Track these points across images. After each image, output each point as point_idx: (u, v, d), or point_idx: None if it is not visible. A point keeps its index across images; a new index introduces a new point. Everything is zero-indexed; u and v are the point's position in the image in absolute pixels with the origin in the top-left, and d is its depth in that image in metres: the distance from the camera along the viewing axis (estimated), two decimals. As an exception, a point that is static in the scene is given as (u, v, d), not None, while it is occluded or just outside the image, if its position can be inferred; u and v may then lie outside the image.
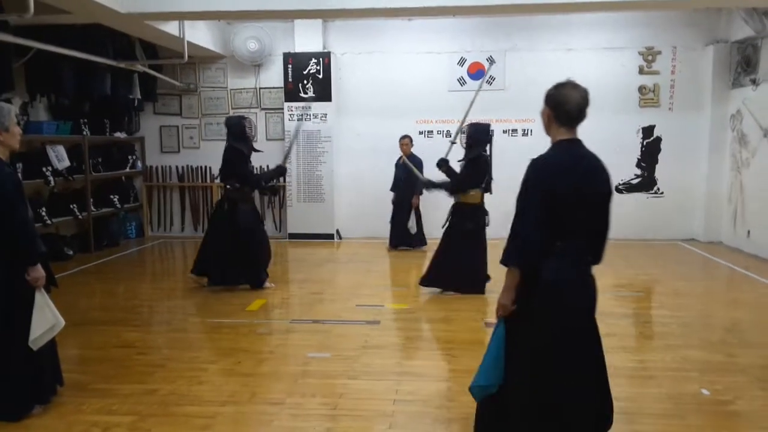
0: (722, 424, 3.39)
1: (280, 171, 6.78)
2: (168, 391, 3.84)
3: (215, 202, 7.23)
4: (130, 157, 9.61)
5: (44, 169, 7.61)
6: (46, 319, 3.44)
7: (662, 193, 9.21)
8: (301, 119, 8.15)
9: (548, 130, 2.80)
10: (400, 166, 8.29)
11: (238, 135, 6.24)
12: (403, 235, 8.41)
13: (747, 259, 7.82)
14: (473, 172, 6.08)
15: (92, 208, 8.58)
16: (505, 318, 2.81)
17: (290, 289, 6.76)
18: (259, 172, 7.04)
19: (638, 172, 9.23)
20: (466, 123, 6.36)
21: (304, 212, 9.38)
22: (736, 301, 6.10)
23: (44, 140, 7.80)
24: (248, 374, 4.13)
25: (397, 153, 8.35)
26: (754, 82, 8.05)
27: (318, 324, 5.24)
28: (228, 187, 6.31)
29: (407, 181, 7.93)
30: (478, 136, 6.13)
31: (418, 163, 8.02)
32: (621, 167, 9.20)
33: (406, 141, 8.38)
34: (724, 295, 6.44)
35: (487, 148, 6.21)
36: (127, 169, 9.56)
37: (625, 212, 9.15)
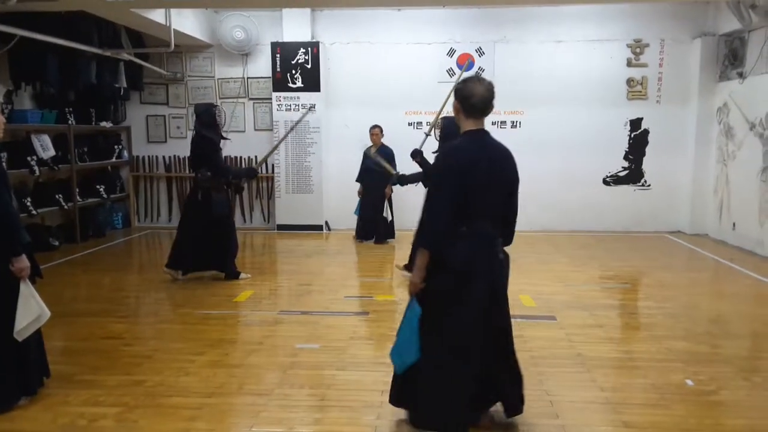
0: (706, 414, 3.44)
1: (251, 173, 6.77)
2: (155, 383, 3.83)
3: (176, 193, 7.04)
4: (116, 146, 9.51)
5: (29, 158, 7.52)
6: (31, 310, 3.41)
7: (649, 185, 9.28)
8: (293, 128, 8.02)
9: (459, 121, 3.05)
10: (369, 156, 8.23)
11: (208, 123, 6.15)
12: (372, 227, 8.41)
13: (732, 251, 7.90)
14: None
15: (78, 198, 8.50)
16: (417, 296, 3.02)
17: (278, 280, 6.74)
18: (231, 165, 6.93)
19: (625, 164, 9.28)
20: (441, 116, 6.39)
21: (293, 203, 9.35)
22: (720, 292, 6.17)
23: (29, 129, 7.70)
24: (236, 365, 4.12)
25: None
26: (740, 75, 8.11)
27: (306, 315, 5.24)
28: (198, 175, 6.21)
29: (379, 172, 7.82)
30: (451, 130, 6.13)
31: (390, 154, 8.04)
32: (608, 159, 9.28)
33: (376, 131, 8.34)
34: (709, 286, 6.51)
35: None
36: (114, 159, 9.47)
37: (612, 204, 9.25)
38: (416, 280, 3.00)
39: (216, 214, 6.15)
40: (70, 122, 8.36)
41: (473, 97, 2.93)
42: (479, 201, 2.93)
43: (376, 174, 7.94)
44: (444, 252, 2.92)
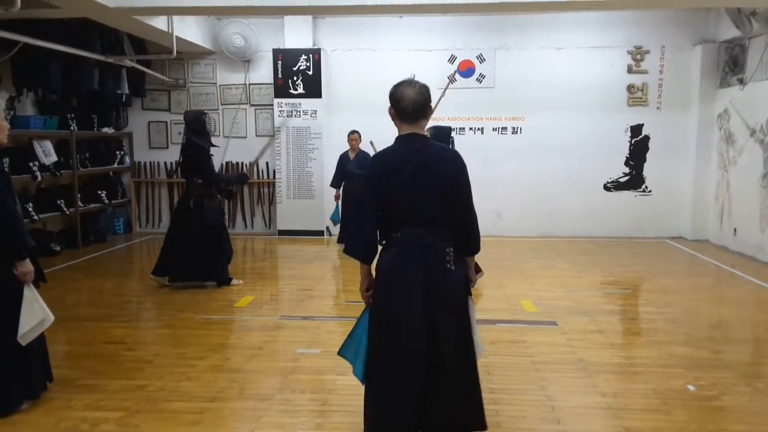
0: (708, 419, 3.44)
1: (242, 179, 6.70)
2: (156, 387, 3.83)
3: (177, 199, 6.90)
4: (118, 152, 9.54)
5: (31, 164, 7.54)
6: (35, 314, 3.42)
7: (650, 191, 9.29)
8: (264, 150, 7.88)
9: (396, 126, 2.93)
10: (348, 161, 8.22)
11: (198, 130, 6.10)
12: None
13: (733, 256, 7.90)
14: None
15: (80, 203, 8.52)
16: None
17: (279, 285, 6.75)
18: (221, 172, 6.84)
19: (626, 170, 9.29)
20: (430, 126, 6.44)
21: (294, 209, 9.36)
22: (722, 298, 6.17)
23: (31, 135, 7.73)
24: (237, 370, 4.12)
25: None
26: (741, 81, 8.13)
27: (307, 320, 5.24)
28: (190, 183, 6.19)
29: (359, 174, 7.80)
30: (439, 138, 6.24)
31: (365, 159, 8.08)
32: (609, 165, 9.30)
33: (355, 136, 8.36)
34: (711, 292, 6.50)
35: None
36: (115, 165, 9.49)
37: (613, 210, 9.26)
38: (361, 289, 3.00)
39: (209, 223, 6.13)
40: (72, 128, 8.39)
41: (403, 100, 2.81)
42: (407, 207, 2.80)
43: (357, 178, 7.95)
44: (378, 258, 2.88)
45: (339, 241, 8.76)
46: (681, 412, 3.51)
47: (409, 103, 2.81)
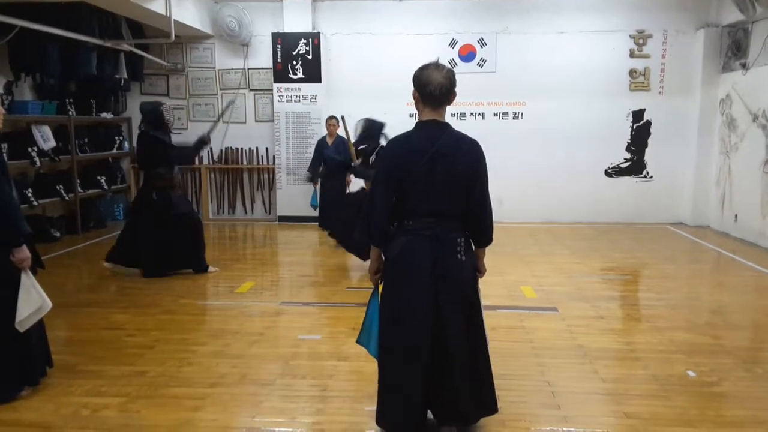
0: (707, 405, 3.44)
1: (203, 141, 6.38)
2: (157, 373, 3.84)
3: (138, 189, 6.66)
4: (117, 137, 9.50)
5: (30, 149, 7.50)
6: (32, 300, 3.41)
7: (651, 177, 9.26)
8: (228, 107, 7.71)
9: (418, 110, 2.88)
10: (326, 146, 8.10)
11: (155, 122, 5.97)
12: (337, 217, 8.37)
13: (734, 242, 7.89)
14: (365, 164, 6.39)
15: (79, 189, 8.49)
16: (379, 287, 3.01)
17: (280, 271, 6.75)
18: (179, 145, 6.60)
19: (628, 156, 9.26)
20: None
21: (294, 195, 9.34)
22: (722, 284, 6.17)
23: (29, 120, 7.67)
24: (238, 356, 4.12)
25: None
26: (744, 66, 8.07)
27: (308, 306, 5.25)
28: (151, 175, 6.04)
29: (339, 160, 7.72)
30: (370, 135, 6.44)
31: (343, 144, 8.00)
32: (611, 151, 9.26)
33: (333, 122, 8.25)
34: (711, 278, 6.51)
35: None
36: (114, 150, 9.45)
37: (614, 196, 9.24)
38: (370, 273, 3.02)
39: (182, 211, 6.08)
40: (70, 113, 8.34)
41: (430, 84, 2.74)
42: (420, 196, 2.77)
43: (335, 164, 7.87)
44: (389, 244, 2.89)
45: (321, 225, 8.68)
46: (681, 398, 3.51)
47: (436, 87, 2.75)
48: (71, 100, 8.42)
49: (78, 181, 8.48)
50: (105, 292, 5.74)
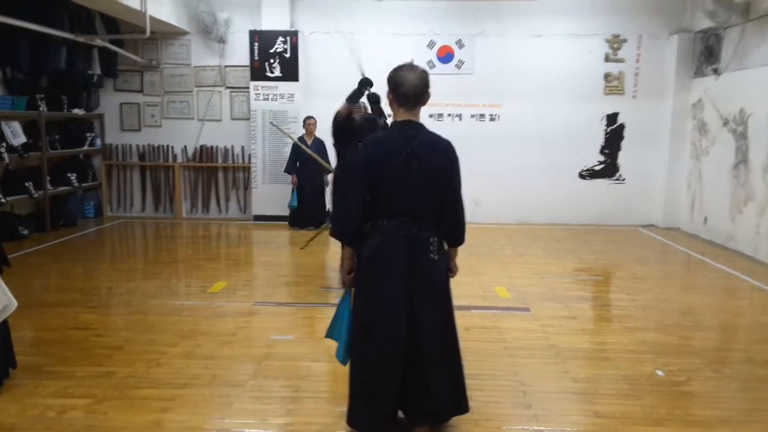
0: (676, 404, 3.49)
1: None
2: (126, 374, 3.77)
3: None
4: (88, 134, 9.32)
5: (-2, 145, 7.34)
6: (-4, 299, 3.33)
7: (624, 179, 9.38)
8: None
9: (392, 111, 2.89)
10: (305, 146, 8.12)
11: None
12: (311, 215, 8.44)
13: (703, 244, 8.03)
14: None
15: (49, 186, 8.32)
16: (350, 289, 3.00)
17: (254, 271, 6.69)
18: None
19: (601, 158, 9.37)
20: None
21: (270, 194, 9.26)
22: (691, 285, 6.27)
23: (-2, 115, 7.51)
24: (209, 357, 4.07)
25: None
26: (715, 71, 8.22)
27: (282, 306, 5.21)
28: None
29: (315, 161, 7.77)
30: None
31: (321, 144, 8.13)
32: (585, 153, 9.36)
33: (312, 122, 8.30)
34: (681, 279, 6.61)
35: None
36: (86, 147, 9.28)
37: (587, 198, 9.34)
38: (342, 273, 3.02)
39: None
40: (41, 109, 8.15)
41: (403, 85, 2.75)
42: (395, 196, 2.77)
43: (312, 163, 7.96)
44: (363, 243, 2.88)
45: (292, 225, 8.76)
46: (650, 397, 3.56)
47: (410, 87, 2.77)
48: (42, 95, 8.24)
49: (48, 178, 8.31)
50: (73, 291, 5.63)
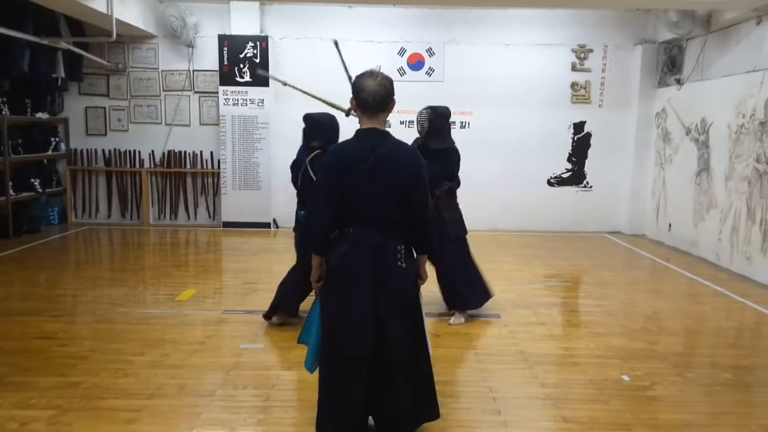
0: (641, 408, 3.56)
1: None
2: (91, 384, 3.69)
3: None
4: (52, 139, 9.11)
5: (-43, 149, 7.13)
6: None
7: (591, 187, 9.55)
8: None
9: (358, 118, 2.90)
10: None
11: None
12: None
13: (668, 251, 8.22)
14: None
15: (11, 192, 8.11)
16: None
17: (223, 278, 6.62)
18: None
19: (569, 166, 9.52)
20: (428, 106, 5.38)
21: (240, 200, 9.18)
22: (657, 291, 6.41)
23: (-43, 118, 7.30)
24: (177, 366, 4.01)
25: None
26: (678, 81, 8.44)
27: (252, 314, 5.15)
28: None
29: None
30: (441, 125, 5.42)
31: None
32: (553, 161, 9.50)
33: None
34: (646, 285, 6.75)
35: None
36: (50, 152, 9.06)
37: (555, 205, 9.48)
38: (312, 280, 3.00)
39: None
40: (3, 112, 7.96)
41: (363, 91, 2.76)
42: (360, 204, 2.78)
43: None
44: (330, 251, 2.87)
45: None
46: (616, 402, 3.62)
47: (369, 94, 2.76)
48: (4, 98, 8.06)
49: (10, 184, 8.10)
50: (37, 299, 5.49)
